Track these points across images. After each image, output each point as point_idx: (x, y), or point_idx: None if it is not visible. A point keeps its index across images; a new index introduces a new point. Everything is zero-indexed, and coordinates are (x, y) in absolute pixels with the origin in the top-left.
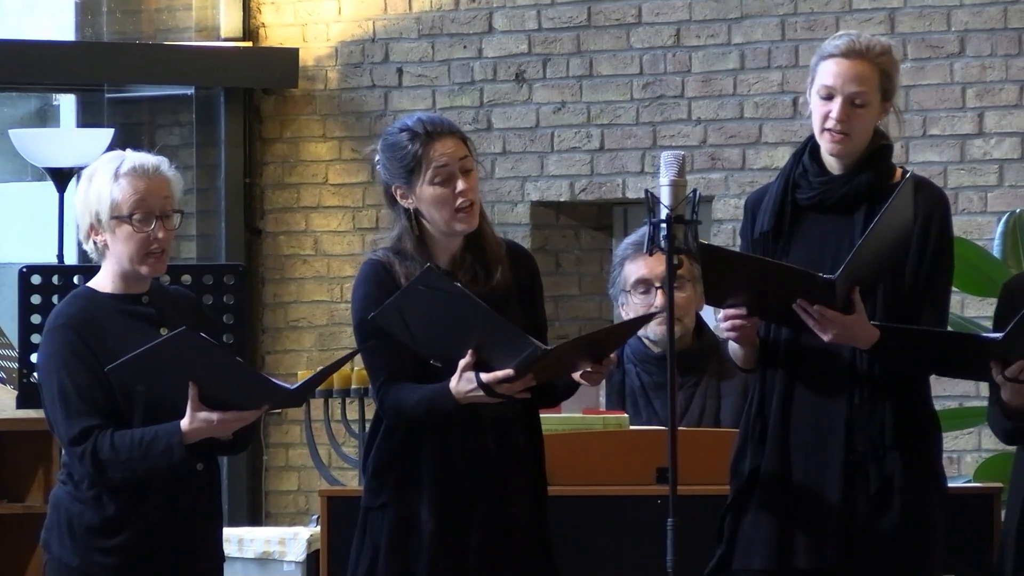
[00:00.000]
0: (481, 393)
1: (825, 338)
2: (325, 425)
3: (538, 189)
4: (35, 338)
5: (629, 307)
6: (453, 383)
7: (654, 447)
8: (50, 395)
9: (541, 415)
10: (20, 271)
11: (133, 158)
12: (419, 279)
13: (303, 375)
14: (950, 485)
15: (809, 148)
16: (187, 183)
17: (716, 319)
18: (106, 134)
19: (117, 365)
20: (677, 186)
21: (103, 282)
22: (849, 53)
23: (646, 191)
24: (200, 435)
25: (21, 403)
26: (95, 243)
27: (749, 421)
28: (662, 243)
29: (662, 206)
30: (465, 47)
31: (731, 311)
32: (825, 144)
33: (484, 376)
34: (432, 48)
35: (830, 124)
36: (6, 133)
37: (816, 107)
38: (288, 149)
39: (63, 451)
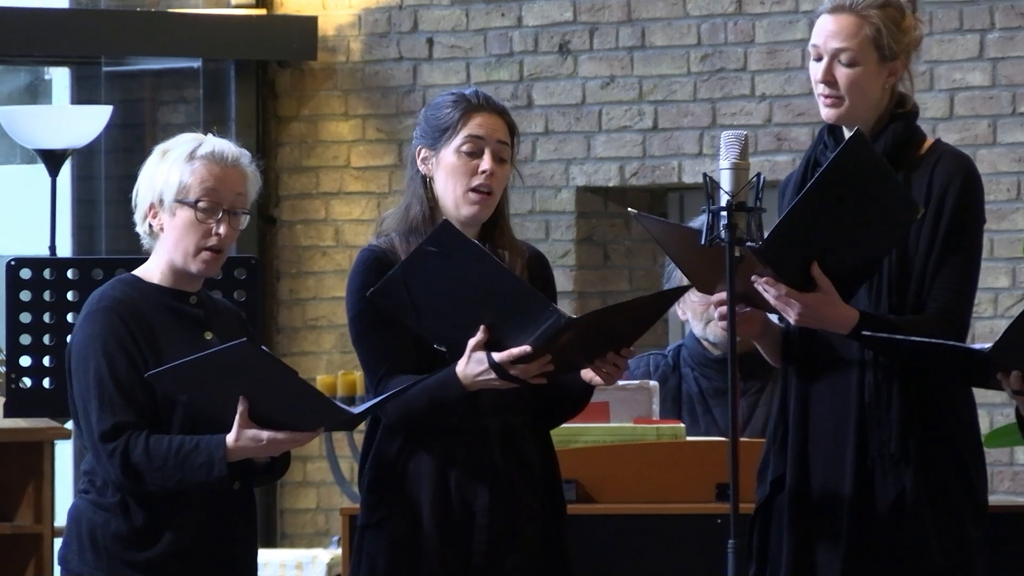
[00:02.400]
0: (492, 376)
1: (791, 320)
2: (347, 436)
3: (584, 173)
4: (24, 339)
5: (687, 306)
6: (460, 366)
7: (714, 460)
8: (83, 382)
9: (588, 425)
10: (8, 264)
11: (213, 143)
12: (431, 238)
13: (323, 381)
14: (1016, 502)
15: (829, 123)
16: None
17: (686, 312)
18: (104, 112)
19: (161, 372)
20: (739, 170)
21: (151, 272)
22: (835, 8)
23: (704, 175)
24: (245, 454)
25: (9, 411)
26: (150, 225)
27: (773, 426)
28: (722, 233)
29: (722, 192)
30: (503, 15)
31: (716, 297)
32: (821, 110)
33: (496, 355)
34: (466, 16)
35: (819, 88)
36: None
37: (811, 72)
38: (306, 128)
39: (85, 456)
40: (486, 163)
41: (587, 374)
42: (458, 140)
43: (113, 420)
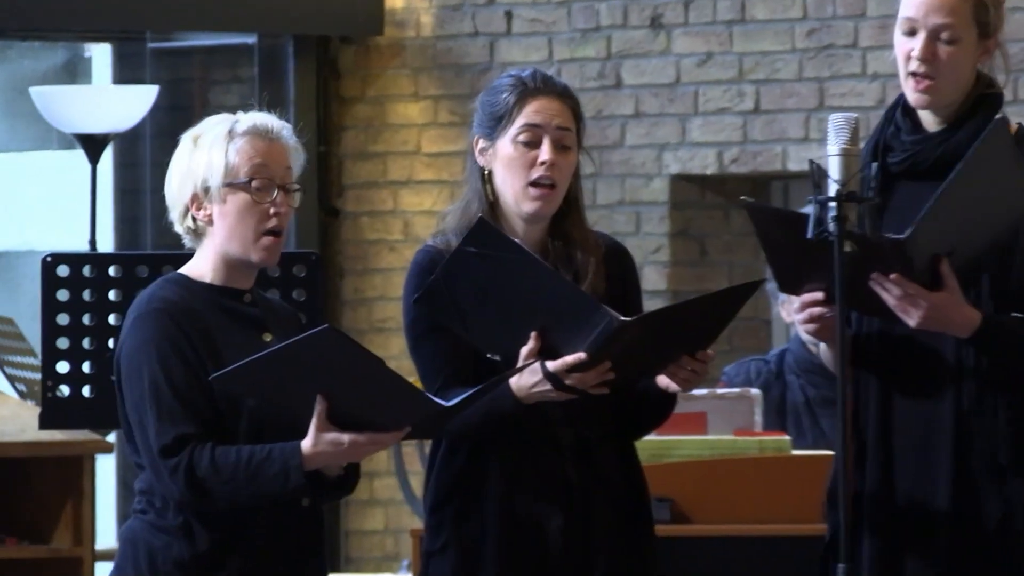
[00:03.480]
0: (548, 387)
1: (911, 322)
2: (418, 450)
3: (679, 160)
4: (61, 343)
5: (792, 306)
6: (514, 378)
7: (822, 476)
8: (137, 392)
9: (683, 438)
10: (43, 260)
11: (252, 117)
12: (468, 238)
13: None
14: None
15: (903, 103)
16: None
17: (793, 313)
18: (149, 92)
19: (228, 373)
20: (849, 156)
21: (199, 269)
22: None
23: (811, 162)
24: (322, 461)
25: (45, 422)
26: (194, 219)
27: (845, 440)
28: (830, 227)
29: (830, 180)
30: None
31: (809, 296)
32: (909, 92)
33: (550, 364)
34: None
35: (913, 66)
36: (27, 92)
37: (899, 47)
38: (372, 111)
39: (140, 474)
40: (545, 153)
41: (663, 380)
42: (514, 129)
43: (174, 432)
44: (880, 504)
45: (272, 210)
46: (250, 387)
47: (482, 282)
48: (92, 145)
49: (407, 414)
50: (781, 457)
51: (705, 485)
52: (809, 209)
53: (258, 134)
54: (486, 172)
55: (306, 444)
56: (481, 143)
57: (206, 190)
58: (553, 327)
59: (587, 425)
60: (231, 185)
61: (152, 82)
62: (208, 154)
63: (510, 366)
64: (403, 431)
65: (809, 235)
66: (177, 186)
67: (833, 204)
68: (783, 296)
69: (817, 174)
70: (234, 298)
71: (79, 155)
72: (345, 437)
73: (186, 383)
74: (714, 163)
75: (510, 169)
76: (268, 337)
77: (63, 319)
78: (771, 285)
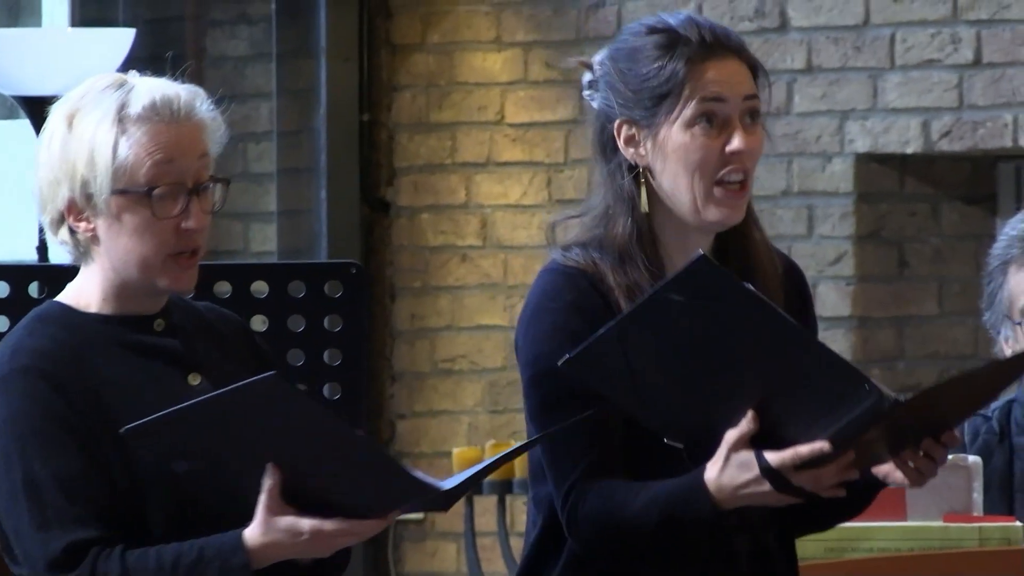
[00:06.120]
0: (765, 487)
1: None
2: (500, 540)
3: (868, 133)
4: None
5: (1018, 343)
6: (713, 471)
7: None
8: (4, 491)
9: (873, 525)
10: None
11: (149, 88)
12: (678, 283)
13: (463, 456)
14: None
15: None
16: (262, 121)
17: None
18: (121, 38)
19: (142, 426)
20: None
21: (87, 296)
22: None
23: None
24: (277, 555)
25: None
26: (73, 231)
27: None
28: None
29: None
30: None
31: None
32: None
33: (771, 456)
34: None
35: None
36: None
37: None
38: (436, 64)
39: None
40: (737, 141)
41: (883, 468)
42: (690, 110)
43: (66, 539)
44: None
45: (182, 224)
46: (173, 446)
47: (679, 341)
48: (39, 112)
49: (393, 497)
50: (1011, 551)
51: None
52: None
53: (159, 116)
54: (641, 171)
55: (252, 533)
56: (629, 131)
57: (88, 197)
58: (777, 403)
59: (766, 526)
60: (123, 193)
61: (126, 24)
62: (91, 145)
63: (697, 457)
64: (389, 519)
65: None
66: (48, 184)
67: None
68: (1005, 331)
69: None
70: (139, 329)
71: (23, 125)
72: (305, 523)
73: (76, 468)
74: (918, 137)
75: (687, 164)
76: (196, 380)
77: None
78: (988, 314)
